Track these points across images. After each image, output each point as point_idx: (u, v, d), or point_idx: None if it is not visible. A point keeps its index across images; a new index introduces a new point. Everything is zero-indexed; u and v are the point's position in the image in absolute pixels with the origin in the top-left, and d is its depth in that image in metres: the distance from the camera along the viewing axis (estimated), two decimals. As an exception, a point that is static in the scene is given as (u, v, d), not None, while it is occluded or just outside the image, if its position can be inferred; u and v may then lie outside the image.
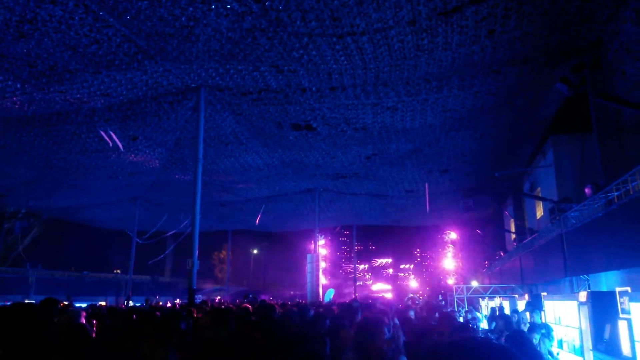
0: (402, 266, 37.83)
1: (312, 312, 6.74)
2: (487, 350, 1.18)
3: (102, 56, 8.31)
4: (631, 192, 7.43)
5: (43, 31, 7.44)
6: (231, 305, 10.57)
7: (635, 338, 6.11)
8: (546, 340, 8.51)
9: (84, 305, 12.22)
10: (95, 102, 10.17)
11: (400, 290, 35.90)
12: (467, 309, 17.64)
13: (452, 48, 8.14)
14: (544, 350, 8.61)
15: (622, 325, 6.63)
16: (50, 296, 4.92)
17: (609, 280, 9.67)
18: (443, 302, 18.96)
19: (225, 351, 2.96)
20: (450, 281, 28.66)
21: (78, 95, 9.79)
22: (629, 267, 7.78)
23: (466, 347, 1.21)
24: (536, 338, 8.62)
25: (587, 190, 9.91)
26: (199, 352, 2.93)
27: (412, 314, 7.93)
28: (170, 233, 24.16)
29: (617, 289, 7.18)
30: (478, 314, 16.75)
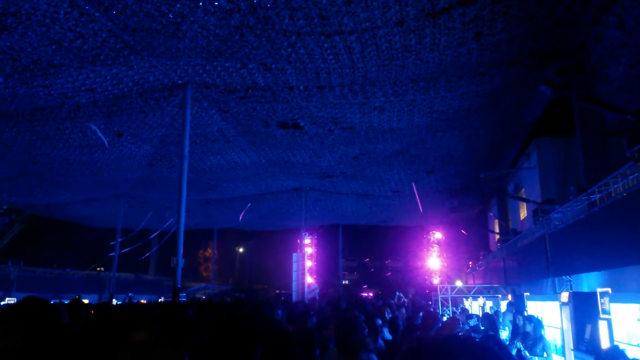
0: (387, 271, 38.02)
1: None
2: (469, 348, 1.19)
3: (88, 51, 8.21)
4: (613, 195, 7.55)
5: (27, 25, 7.32)
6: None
7: (615, 338, 6.21)
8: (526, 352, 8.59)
9: (65, 302, 12.05)
10: (80, 97, 10.04)
11: (385, 289, 36.03)
12: (461, 308, 17.73)
13: (439, 49, 8.18)
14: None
15: (602, 326, 6.74)
16: (32, 294, 4.84)
17: (590, 281, 9.82)
18: (430, 303, 19.08)
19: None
20: (435, 281, 28.85)
21: (62, 90, 9.65)
22: (610, 269, 7.92)
23: (448, 345, 1.21)
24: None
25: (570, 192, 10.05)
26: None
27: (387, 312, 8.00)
28: (155, 234, 23.98)
29: (598, 290, 7.29)
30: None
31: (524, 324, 9.37)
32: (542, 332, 9.07)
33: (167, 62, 8.80)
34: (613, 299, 6.56)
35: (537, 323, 9.13)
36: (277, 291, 38.38)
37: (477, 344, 1.21)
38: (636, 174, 7.01)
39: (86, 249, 31.26)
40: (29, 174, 15.22)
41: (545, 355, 8.68)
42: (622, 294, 7.12)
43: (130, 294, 15.46)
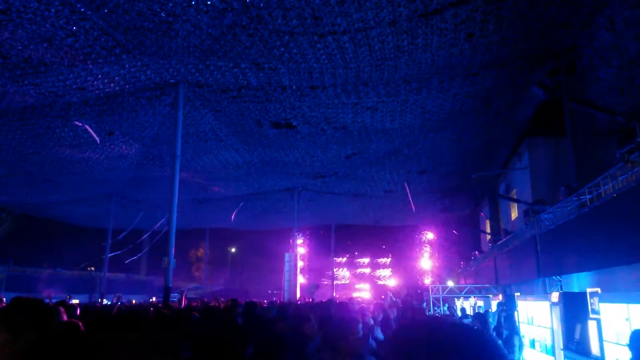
0: (379, 271, 38.17)
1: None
2: (464, 333, 1.14)
3: (79, 49, 8.15)
4: (603, 196, 7.61)
5: (17, 22, 7.26)
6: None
7: (604, 338, 6.26)
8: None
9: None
10: (71, 95, 9.97)
11: (377, 290, 36.12)
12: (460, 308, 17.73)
13: (431, 50, 8.21)
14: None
15: (591, 326, 6.78)
16: (21, 294, 4.80)
17: (580, 281, 9.88)
18: (425, 304, 19.10)
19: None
20: (427, 281, 28.93)
21: (53, 89, 9.58)
22: (600, 269, 7.97)
23: (449, 332, 1.15)
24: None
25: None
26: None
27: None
28: (147, 235, 23.83)
29: (588, 290, 7.35)
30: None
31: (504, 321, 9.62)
32: (518, 331, 9.39)
33: (159, 61, 8.76)
34: (602, 299, 6.60)
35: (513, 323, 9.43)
36: (270, 291, 38.34)
37: (475, 330, 1.17)
38: (626, 175, 7.06)
39: (77, 249, 31.02)
40: (20, 172, 15.10)
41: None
42: (611, 293, 7.17)
43: (118, 294, 15.28)
